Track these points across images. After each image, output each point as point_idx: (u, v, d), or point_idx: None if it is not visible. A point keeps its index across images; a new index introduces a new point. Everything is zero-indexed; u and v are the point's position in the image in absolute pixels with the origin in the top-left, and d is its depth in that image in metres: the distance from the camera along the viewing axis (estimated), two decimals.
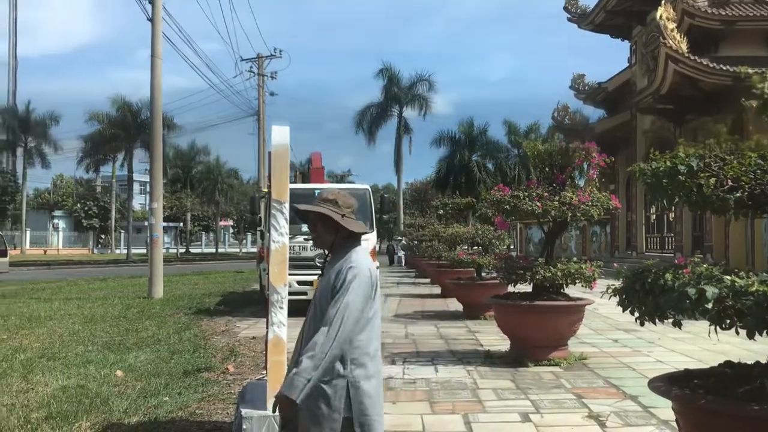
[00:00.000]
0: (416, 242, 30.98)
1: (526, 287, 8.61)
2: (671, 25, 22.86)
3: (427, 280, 22.69)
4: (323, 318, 2.92)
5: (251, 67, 36.54)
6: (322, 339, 2.83)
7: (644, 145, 31.71)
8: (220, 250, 71.32)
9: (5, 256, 30.25)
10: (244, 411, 4.79)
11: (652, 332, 10.65)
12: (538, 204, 7.74)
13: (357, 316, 2.91)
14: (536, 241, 43.51)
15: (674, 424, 5.46)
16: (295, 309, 14.59)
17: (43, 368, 8.33)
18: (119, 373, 8.09)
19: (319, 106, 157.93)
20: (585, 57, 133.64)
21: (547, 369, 7.70)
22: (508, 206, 7.89)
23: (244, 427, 4.65)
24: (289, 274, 12.49)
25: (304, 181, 19.31)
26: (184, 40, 59.63)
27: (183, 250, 65.43)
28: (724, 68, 22.31)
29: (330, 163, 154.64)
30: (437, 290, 18.32)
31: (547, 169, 8.30)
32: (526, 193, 7.95)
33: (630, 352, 8.89)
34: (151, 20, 17.77)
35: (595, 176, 8.47)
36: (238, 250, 76.38)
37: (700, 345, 9.39)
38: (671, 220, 29.17)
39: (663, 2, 23.10)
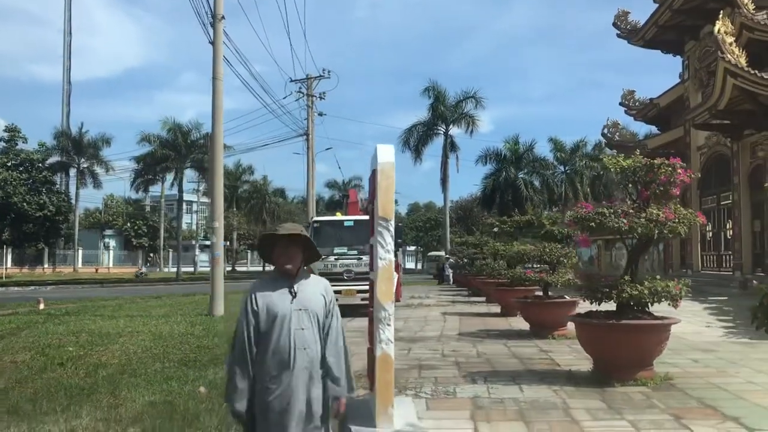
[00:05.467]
0: (467, 260, 30.84)
1: (601, 306, 8.48)
2: (729, 39, 22.49)
3: (482, 299, 22.52)
4: (325, 329, 3.64)
5: (300, 88, 36.91)
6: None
7: (699, 161, 31.15)
8: (266, 268, 72.00)
9: None
10: (354, 428, 4.79)
11: (731, 352, 10.44)
12: (625, 221, 7.64)
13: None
14: (585, 260, 42.86)
15: None
16: None
17: (127, 384, 8.45)
18: (202, 389, 8.18)
19: (361, 125, 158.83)
20: (629, 73, 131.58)
21: (635, 389, 7.55)
22: (593, 223, 7.79)
23: None
24: None
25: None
26: (241, 61, 60.56)
27: (229, 269, 66.13)
28: None
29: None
30: (494, 309, 18.17)
31: (630, 185, 8.19)
32: (611, 210, 7.85)
33: (715, 373, 8.66)
34: (213, 43, 18.15)
35: (678, 193, 8.32)
36: None
37: None
38: (729, 237, 28.51)
39: (720, 16, 22.75)
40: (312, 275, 3.75)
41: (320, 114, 38.35)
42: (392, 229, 5.01)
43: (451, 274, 38.26)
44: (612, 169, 8.14)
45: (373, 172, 5.18)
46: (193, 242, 72.41)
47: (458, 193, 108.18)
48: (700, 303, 19.05)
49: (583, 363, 9.40)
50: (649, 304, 7.88)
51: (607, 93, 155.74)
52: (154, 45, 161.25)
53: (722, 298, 21.26)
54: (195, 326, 15.00)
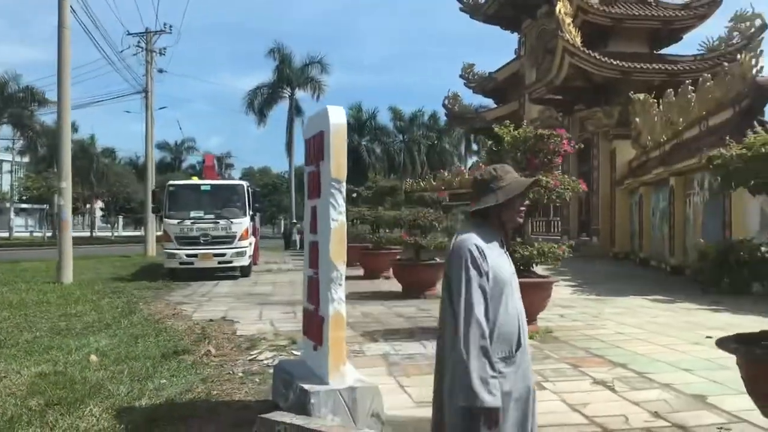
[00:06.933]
0: None
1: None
2: (568, 20, 24.17)
3: None
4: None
5: (139, 42, 34.84)
6: None
7: None
8: (95, 234, 67.87)
9: None
10: (307, 387, 4.82)
11: (588, 308, 11.51)
12: None
13: None
14: None
15: (675, 386, 6.08)
16: (186, 276, 17.38)
17: (1, 356, 7.83)
18: (93, 357, 7.76)
19: (198, 84, 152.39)
20: (469, 46, 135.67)
21: None
22: None
23: (312, 401, 4.70)
24: (178, 248, 17.35)
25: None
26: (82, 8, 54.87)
27: (50, 234, 61.46)
28: (614, 62, 23.93)
29: (205, 143, 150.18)
30: (356, 272, 18.57)
31: (519, 154, 8.73)
32: None
33: (584, 326, 9.53)
34: None
35: (560, 162, 9.01)
36: (110, 233, 72.83)
37: (641, 318, 10.22)
38: (558, 205, 30.89)
39: None
40: None
41: (160, 71, 36.42)
42: (344, 191, 5.06)
43: (298, 239, 38.37)
44: (505, 138, 8.63)
45: (320, 134, 5.16)
46: (8, 205, 66.41)
47: (301, 159, 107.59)
48: (536, 265, 20.61)
49: None
50: (536, 264, 8.52)
51: (444, 64, 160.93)
52: None
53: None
54: (47, 294, 13.99)
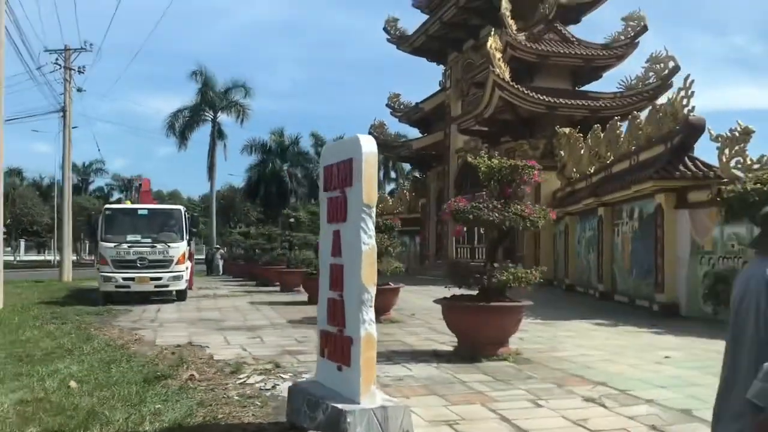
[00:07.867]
0: (251, 251, 31.02)
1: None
2: (498, 55, 25.21)
3: (275, 288, 22.84)
4: None
5: (57, 59, 33.75)
6: None
7: (456, 163, 34.29)
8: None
9: None
10: (341, 406, 4.95)
11: (541, 332, 12.01)
12: (497, 215, 8.58)
13: None
14: None
15: (659, 401, 6.54)
16: (121, 300, 17.57)
17: None
18: (73, 383, 7.57)
19: (102, 102, 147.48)
20: (393, 75, 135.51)
21: (501, 363, 8.51)
22: (471, 216, 8.62)
23: (348, 420, 4.83)
24: (115, 272, 17.58)
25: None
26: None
27: None
28: (541, 97, 25.09)
29: (113, 165, 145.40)
30: (299, 297, 18.74)
31: (493, 182, 9.14)
32: (484, 205, 8.75)
33: (548, 349, 9.95)
34: None
35: (529, 191, 9.49)
36: (12, 258, 69.25)
37: (595, 340, 10.78)
38: (482, 232, 31.82)
39: (492, 34, 25.41)
40: None
41: (79, 90, 35.40)
42: (374, 215, 5.26)
43: (221, 265, 37.80)
44: (482, 168, 9.03)
45: (349, 161, 5.35)
46: None
47: (221, 183, 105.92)
48: (460, 289, 21.26)
49: (431, 342, 10.35)
50: (509, 287, 8.93)
51: (367, 93, 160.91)
52: None
53: None
54: None
